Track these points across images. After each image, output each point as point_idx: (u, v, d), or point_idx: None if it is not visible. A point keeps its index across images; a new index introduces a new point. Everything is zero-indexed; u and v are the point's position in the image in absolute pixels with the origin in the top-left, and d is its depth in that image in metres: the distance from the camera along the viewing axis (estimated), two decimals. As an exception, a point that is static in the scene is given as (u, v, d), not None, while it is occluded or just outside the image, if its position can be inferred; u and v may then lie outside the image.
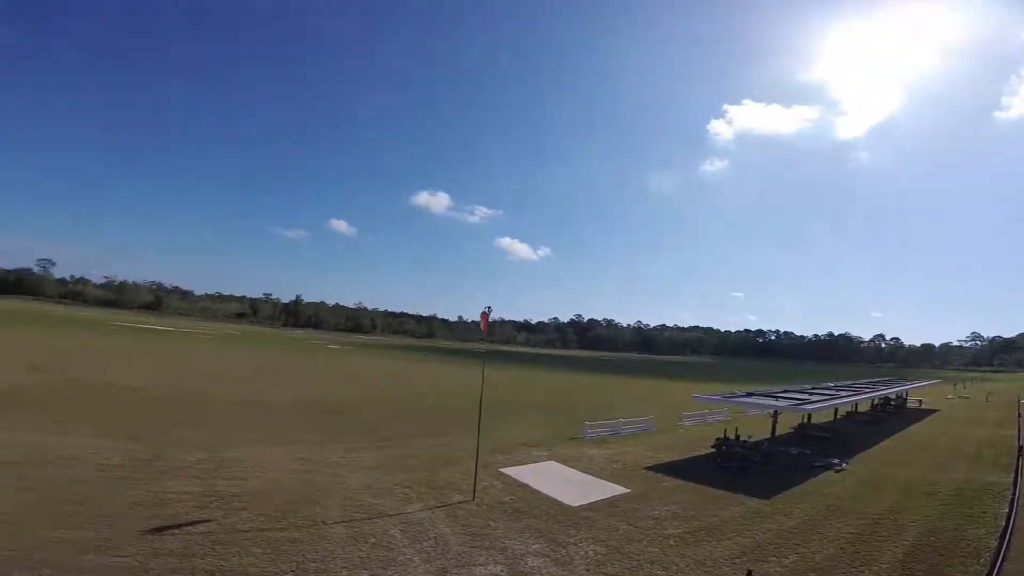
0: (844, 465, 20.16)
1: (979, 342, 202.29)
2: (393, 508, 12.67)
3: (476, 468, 14.44)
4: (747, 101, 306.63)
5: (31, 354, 40.85)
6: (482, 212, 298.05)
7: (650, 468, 18.86)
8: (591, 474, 17.66)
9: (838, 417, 32.21)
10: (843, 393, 30.18)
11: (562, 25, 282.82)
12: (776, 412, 24.03)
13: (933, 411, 42.71)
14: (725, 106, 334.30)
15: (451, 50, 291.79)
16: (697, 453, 22.41)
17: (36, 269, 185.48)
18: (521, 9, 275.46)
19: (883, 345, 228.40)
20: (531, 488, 15.32)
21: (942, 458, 22.32)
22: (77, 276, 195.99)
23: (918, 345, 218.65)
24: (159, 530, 10.08)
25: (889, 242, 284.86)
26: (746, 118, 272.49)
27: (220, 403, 28.30)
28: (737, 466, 19.80)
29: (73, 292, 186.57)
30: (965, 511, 14.28)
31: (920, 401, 47.81)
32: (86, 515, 10.42)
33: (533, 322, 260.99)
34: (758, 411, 31.74)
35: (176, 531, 10.13)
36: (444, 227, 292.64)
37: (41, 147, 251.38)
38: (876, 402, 38.90)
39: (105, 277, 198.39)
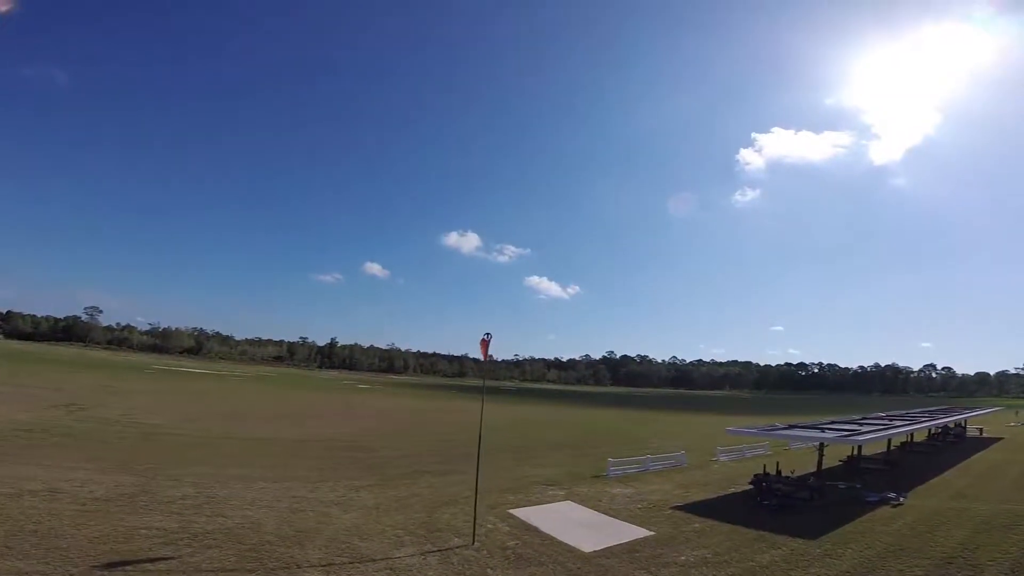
0: (902, 499, 17.76)
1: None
2: (381, 552, 11.35)
3: (475, 510, 12.99)
4: (776, 129, 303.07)
5: (63, 393, 41.60)
6: (511, 251, 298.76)
7: (679, 508, 16.98)
8: (611, 515, 15.94)
9: (892, 448, 29.20)
10: (897, 423, 27.33)
11: (587, 61, 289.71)
12: (822, 444, 21.70)
13: (996, 439, 38.82)
14: (754, 135, 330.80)
15: (478, 93, 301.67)
16: (733, 490, 20.35)
17: (84, 317, 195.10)
18: (546, 46, 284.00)
19: (934, 375, 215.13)
20: (540, 531, 13.75)
21: (1016, 489, 19.55)
22: (123, 323, 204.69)
23: (972, 374, 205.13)
24: (111, 566, 9.21)
25: (935, 269, 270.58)
26: (776, 146, 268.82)
27: (233, 439, 27.65)
28: (778, 504, 17.67)
29: (119, 338, 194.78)
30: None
31: (981, 429, 43.68)
32: (43, 548, 9.72)
33: (564, 359, 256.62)
34: (802, 444, 29.13)
35: (129, 568, 9.23)
36: (474, 267, 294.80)
37: (88, 200, 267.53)
38: (933, 431, 35.43)
39: (149, 324, 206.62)
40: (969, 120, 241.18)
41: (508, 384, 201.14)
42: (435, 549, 11.82)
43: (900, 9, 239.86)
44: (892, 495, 18.14)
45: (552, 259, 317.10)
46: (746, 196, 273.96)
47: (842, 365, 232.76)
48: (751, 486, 20.26)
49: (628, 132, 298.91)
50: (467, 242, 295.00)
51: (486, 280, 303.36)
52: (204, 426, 32.11)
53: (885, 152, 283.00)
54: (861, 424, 25.75)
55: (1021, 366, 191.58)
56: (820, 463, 21.85)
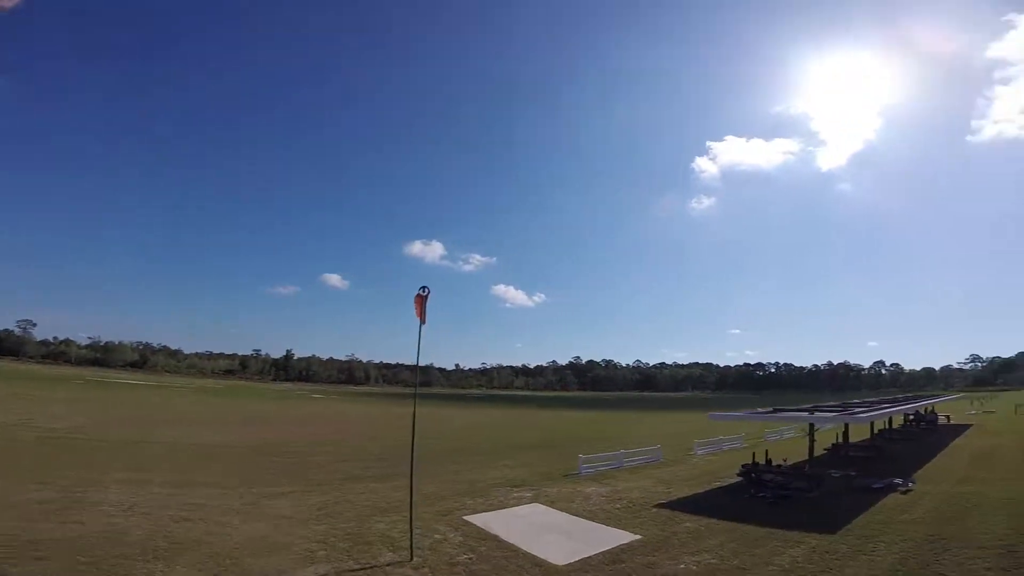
0: (910, 485, 15.83)
1: (979, 363, 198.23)
2: (279, 570, 8.29)
3: (411, 517, 9.95)
4: (729, 137, 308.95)
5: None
6: (476, 260, 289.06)
7: (663, 505, 14.52)
8: (587, 517, 13.28)
9: (873, 435, 27.88)
10: (884, 406, 25.86)
11: (547, 70, 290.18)
12: (813, 428, 19.77)
13: (967, 425, 38.32)
14: (708, 143, 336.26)
15: (439, 100, 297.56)
16: (719, 484, 18.15)
17: (16, 331, 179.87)
18: (508, 54, 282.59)
19: (883, 371, 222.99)
20: (502, 541, 10.93)
21: (1019, 472, 17.90)
22: (61, 337, 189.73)
23: (919, 369, 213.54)
24: None
25: (879, 270, 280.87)
26: (730, 154, 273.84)
27: (144, 444, 23.69)
28: (774, 495, 15.47)
29: (56, 352, 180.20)
30: None
31: (948, 417, 43.48)
32: None
33: (532, 366, 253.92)
34: (792, 423, 27.38)
35: None
36: (438, 276, 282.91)
37: (23, 212, 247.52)
38: (909, 418, 34.64)
39: (90, 338, 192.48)
40: (905, 127, 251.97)
41: (475, 391, 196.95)
42: (357, 567, 8.84)
43: (844, 16, 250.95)
44: (898, 481, 16.22)
45: (518, 267, 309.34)
46: (702, 204, 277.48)
47: (797, 364, 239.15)
48: (739, 478, 18.18)
49: (588, 141, 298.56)
50: (431, 251, 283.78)
51: (452, 289, 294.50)
52: (114, 430, 27.83)
53: (831, 158, 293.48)
54: (845, 408, 24.08)
55: (963, 361, 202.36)
56: (811, 449, 19.86)
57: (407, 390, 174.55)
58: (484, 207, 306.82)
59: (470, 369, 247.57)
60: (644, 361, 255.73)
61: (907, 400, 35.70)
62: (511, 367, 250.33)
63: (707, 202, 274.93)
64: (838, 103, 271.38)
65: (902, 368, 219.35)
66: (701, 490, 17.13)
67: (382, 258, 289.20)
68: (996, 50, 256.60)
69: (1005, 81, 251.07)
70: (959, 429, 35.28)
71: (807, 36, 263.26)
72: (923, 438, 29.39)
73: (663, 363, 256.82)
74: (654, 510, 13.92)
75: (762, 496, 15.58)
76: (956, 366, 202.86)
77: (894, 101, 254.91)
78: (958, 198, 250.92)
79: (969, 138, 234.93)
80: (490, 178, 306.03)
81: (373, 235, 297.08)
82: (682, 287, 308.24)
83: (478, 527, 12.12)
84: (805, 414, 20.08)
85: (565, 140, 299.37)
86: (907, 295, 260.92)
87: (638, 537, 11.15)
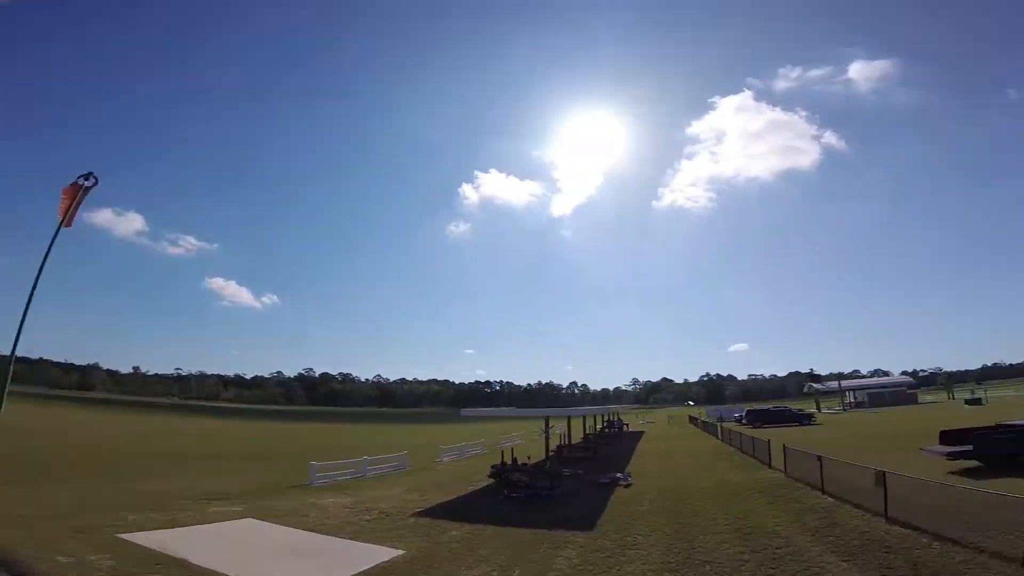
0: (630, 480, 17.67)
1: (637, 386, 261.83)
2: None
3: None
4: (493, 170, 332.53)
5: None
6: (190, 243, 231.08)
7: (422, 513, 12.70)
8: (328, 533, 10.42)
9: (586, 437, 31.93)
10: (594, 408, 29.60)
11: (334, 61, 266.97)
12: (548, 423, 21.09)
13: (641, 432, 47.67)
14: (476, 172, 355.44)
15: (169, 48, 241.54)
16: (472, 488, 17.50)
17: None
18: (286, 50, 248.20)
19: (576, 391, 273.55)
20: (193, 566, 7.38)
21: (698, 468, 21.54)
22: None
23: (599, 389, 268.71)
24: None
25: (578, 306, 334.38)
26: (491, 186, 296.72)
27: None
28: (525, 494, 15.26)
29: None
30: (794, 506, 12.31)
31: (627, 425, 53.95)
32: None
33: (248, 377, 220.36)
34: (520, 432, 28.87)
35: None
36: (131, 256, 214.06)
37: None
38: (604, 424, 41.27)
39: None
40: (619, 185, 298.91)
41: (164, 399, 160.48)
42: None
43: (593, 80, 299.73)
44: (619, 476, 17.94)
45: (246, 261, 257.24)
46: (459, 228, 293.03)
47: (516, 383, 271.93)
48: (491, 480, 17.76)
49: (355, 143, 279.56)
50: (125, 223, 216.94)
51: (149, 274, 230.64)
52: None
53: (562, 206, 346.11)
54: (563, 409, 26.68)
55: (628, 383, 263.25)
56: (547, 446, 20.90)
57: (51, 392, 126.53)
58: (210, 186, 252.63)
59: (157, 375, 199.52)
60: (385, 377, 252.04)
61: (603, 408, 42.48)
62: (218, 375, 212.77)
63: (464, 227, 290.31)
64: (576, 158, 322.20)
65: (589, 388, 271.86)
66: (456, 495, 16.02)
67: (47, 223, 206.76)
68: (695, 127, 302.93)
69: (691, 156, 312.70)
70: (637, 435, 43.59)
71: (564, 93, 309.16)
72: (617, 442, 34.96)
73: (403, 379, 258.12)
74: (412, 519, 11.93)
75: (514, 496, 15.21)
76: (623, 387, 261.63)
77: (614, 163, 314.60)
78: (642, 254, 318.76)
79: (654, 203, 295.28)
80: (224, 162, 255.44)
81: (38, 192, 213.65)
82: (428, 305, 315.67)
83: (147, 548, 8.22)
84: (540, 411, 21.17)
85: (328, 137, 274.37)
86: (594, 327, 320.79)
87: (401, 552, 8.95)
